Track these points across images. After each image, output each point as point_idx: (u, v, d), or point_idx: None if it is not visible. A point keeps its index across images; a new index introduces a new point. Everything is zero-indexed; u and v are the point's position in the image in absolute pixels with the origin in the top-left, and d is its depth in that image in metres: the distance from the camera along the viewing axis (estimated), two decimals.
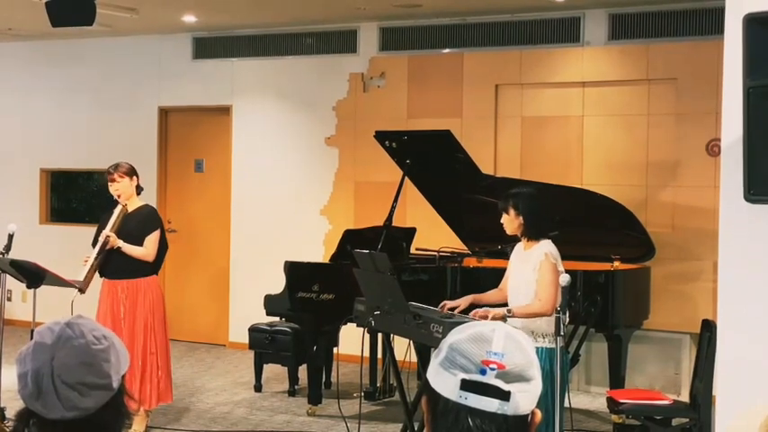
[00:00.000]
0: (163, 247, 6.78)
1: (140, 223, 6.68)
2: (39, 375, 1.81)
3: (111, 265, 6.63)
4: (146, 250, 6.65)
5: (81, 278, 6.49)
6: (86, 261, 6.58)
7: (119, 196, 6.68)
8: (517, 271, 5.59)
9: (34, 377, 1.81)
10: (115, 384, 1.86)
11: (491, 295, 5.85)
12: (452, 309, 5.80)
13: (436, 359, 1.66)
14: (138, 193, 6.79)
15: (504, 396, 1.59)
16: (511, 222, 5.56)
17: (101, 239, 6.56)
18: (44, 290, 6.31)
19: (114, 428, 1.88)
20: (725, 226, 4.17)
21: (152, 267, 6.75)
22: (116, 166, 6.71)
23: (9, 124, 11.44)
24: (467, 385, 1.60)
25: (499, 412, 1.59)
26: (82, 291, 6.44)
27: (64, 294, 6.38)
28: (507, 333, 1.66)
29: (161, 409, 7.30)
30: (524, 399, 1.61)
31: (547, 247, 5.48)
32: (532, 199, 5.60)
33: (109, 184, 6.72)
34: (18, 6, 8.65)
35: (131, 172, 6.73)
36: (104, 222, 6.70)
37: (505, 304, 5.65)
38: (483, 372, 1.60)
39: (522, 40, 8.92)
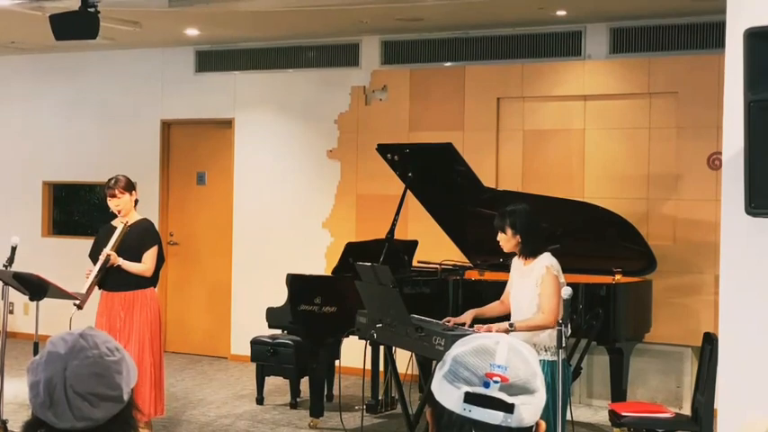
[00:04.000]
0: (160, 260, 6.80)
1: (139, 238, 6.69)
2: (51, 384, 1.82)
3: (110, 278, 6.65)
4: (144, 266, 6.68)
5: (82, 293, 6.49)
6: (89, 274, 6.59)
7: (119, 212, 6.69)
8: (518, 286, 5.59)
9: (46, 386, 1.83)
10: (125, 397, 1.88)
11: (493, 308, 5.85)
12: (459, 324, 5.80)
13: (440, 372, 1.67)
14: (135, 206, 6.80)
15: (508, 408, 1.60)
16: (508, 241, 5.56)
17: (101, 257, 6.56)
18: (46, 302, 6.32)
19: None
20: (726, 239, 4.18)
21: (150, 280, 6.76)
22: (115, 182, 6.69)
23: (12, 137, 11.46)
24: (470, 398, 1.61)
25: (503, 424, 1.61)
26: (80, 307, 6.43)
27: (66, 307, 6.39)
28: (511, 345, 1.67)
29: (162, 422, 7.31)
30: (528, 411, 1.62)
31: (547, 260, 5.48)
32: (528, 216, 5.59)
33: (108, 199, 6.71)
34: (21, 20, 8.68)
35: (130, 186, 6.74)
36: (103, 237, 6.72)
37: (507, 317, 5.66)
38: (486, 385, 1.61)
39: (524, 54, 8.94)
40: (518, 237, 5.51)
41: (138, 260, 6.66)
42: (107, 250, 6.56)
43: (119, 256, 6.57)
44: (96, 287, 6.66)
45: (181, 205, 10.68)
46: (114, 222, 6.76)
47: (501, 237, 5.59)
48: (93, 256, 6.69)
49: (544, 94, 8.82)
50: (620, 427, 6.24)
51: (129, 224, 6.66)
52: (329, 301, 7.33)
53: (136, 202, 6.80)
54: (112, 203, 6.69)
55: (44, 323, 6.22)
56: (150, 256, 6.69)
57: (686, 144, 8.23)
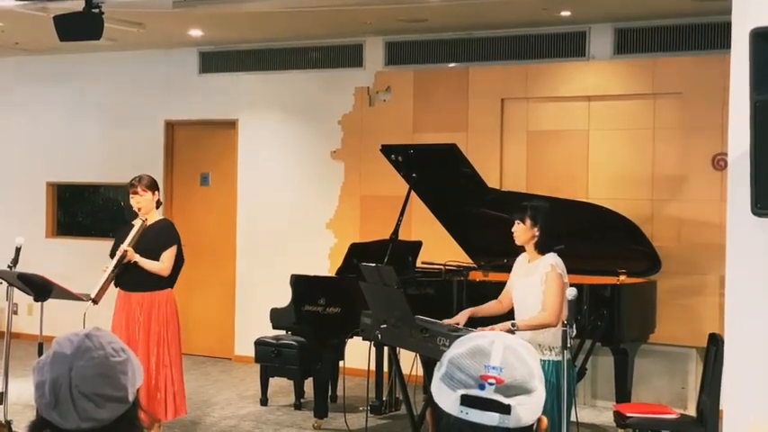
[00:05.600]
0: (179, 261, 6.81)
1: (157, 237, 6.71)
2: (57, 385, 1.83)
3: (128, 277, 6.67)
4: (162, 265, 6.68)
5: (97, 288, 6.53)
6: (105, 270, 6.62)
7: (139, 209, 6.72)
8: (523, 284, 5.58)
9: (52, 386, 1.83)
10: (130, 397, 1.88)
11: (489, 307, 5.84)
12: (453, 325, 5.78)
13: (438, 374, 1.66)
14: (157, 208, 6.83)
15: (505, 410, 1.59)
16: (524, 233, 5.54)
17: (118, 253, 6.59)
18: (50, 303, 6.33)
19: None
20: (732, 240, 4.17)
21: (167, 281, 6.77)
22: (139, 179, 6.75)
23: (16, 138, 11.47)
24: (467, 401, 1.60)
25: (501, 426, 1.59)
26: (95, 302, 6.47)
27: (69, 308, 6.40)
28: (507, 345, 1.65)
29: (167, 423, 7.29)
30: (526, 411, 1.61)
31: (552, 258, 5.48)
32: (549, 214, 5.61)
33: (131, 196, 6.75)
34: (25, 21, 8.69)
35: (154, 186, 6.78)
36: (123, 234, 6.74)
37: (505, 316, 5.65)
38: (482, 387, 1.60)
39: (528, 55, 8.94)
40: (535, 229, 5.50)
41: (157, 260, 6.67)
42: (124, 246, 6.59)
43: (136, 254, 6.59)
44: (113, 284, 6.69)
45: (184, 206, 10.68)
46: (134, 222, 6.80)
47: (518, 227, 5.56)
48: (113, 254, 6.72)
49: (548, 94, 8.82)
50: (624, 428, 6.23)
51: (147, 221, 6.69)
52: (333, 301, 7.33)
53: (158, 203, 6.84)
54: (134, 201, 6.74)
55: (48, 324, 6.22)
56: (168, 255, 6.72)
57: (691, 145, 8.21)
